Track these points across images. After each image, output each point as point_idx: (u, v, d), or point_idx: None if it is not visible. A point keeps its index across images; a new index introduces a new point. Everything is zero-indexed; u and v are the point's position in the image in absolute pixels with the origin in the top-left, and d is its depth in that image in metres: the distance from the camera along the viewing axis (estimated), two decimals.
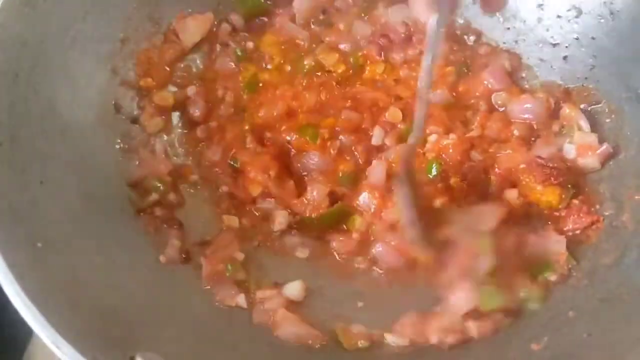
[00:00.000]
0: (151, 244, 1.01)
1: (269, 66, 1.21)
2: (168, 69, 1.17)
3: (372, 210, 1.05)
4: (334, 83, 1.18)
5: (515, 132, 1.10)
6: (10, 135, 0.90)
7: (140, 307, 0.89)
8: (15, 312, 0.76)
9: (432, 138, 1.09)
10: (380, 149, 1.11)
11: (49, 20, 1.00)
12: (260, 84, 1.18)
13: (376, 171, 1.07)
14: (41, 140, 0.95)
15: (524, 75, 1.19)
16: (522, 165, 1.05)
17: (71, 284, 0.84)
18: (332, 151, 1.10)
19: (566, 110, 1.11)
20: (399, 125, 1.12)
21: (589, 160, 1.07)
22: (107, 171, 1.04)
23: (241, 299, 0.98)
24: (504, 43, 1.22)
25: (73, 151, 0.99)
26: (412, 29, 1.19)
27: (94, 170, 1.02)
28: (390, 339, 0.95)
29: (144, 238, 1.02)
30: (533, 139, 1.10)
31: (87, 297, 0.84)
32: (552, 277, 0.97)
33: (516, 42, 1.21)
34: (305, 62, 1.19)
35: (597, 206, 1.03)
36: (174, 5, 1.18)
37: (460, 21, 1.23)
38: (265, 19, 1.24)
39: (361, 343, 0.95)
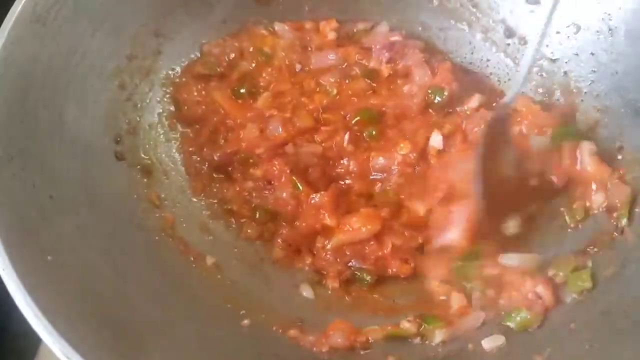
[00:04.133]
0: (160, 256, 1.03)
1: None
2: None
3: None
4: None
5: None
6: (20, 150, 0.92)
7: (149, 319, 0.90)
8: (22, 324, 0.77)
9: None
10: None
11: (59, 37, 1.02)
12: None
13: None
14: (50, 155, 0.96)
15: (523, 90, 1.21)
16: None
17: (81, 295, 0.85)
18: None
19: None
20: None
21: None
22: (115, 184, 1.06)
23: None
24: (505, 58, 1.25)
25: (81, 165, 1.01)
26: None
27: (102, 183, 1.03)
28: None
29: (152, 250, 1.03)
30: None
31: (96, 308, 0.85)
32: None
33: (515, 57, 1.24)
34: None
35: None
36: (180, 22, 1.21)
37: None
38: None
39: None
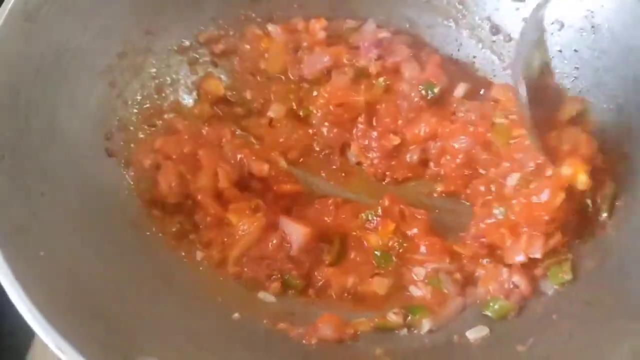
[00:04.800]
0: (151, 251, 1.05)
1: None
2: None
3: None
4: None
5: None
6: (12, 148, 0.93)
7: (140, 313, 0.92)
8: (15, 319, 0.79)
9: None
10: None
11: (49, 35, 1.03)
12: None
13: None
14: (42, 153, 0.98)
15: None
16: None
17: (73, 291, 0.87)
18: None
19: None
20: None
21: None
22: (105, 181, 1.07)
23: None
24: (492, 55, 1.27)
25: (72, 162, 1.02)
26: None
27: (93, 180, 1.05)
28: None
29: (144, 245, 1.05)
30: None
31: (89, 303, 0.87)
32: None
33: (501, 53, 1.26)
34: None
35: None
36: (170, 20, 1.21)
37: None
38: None
39: None
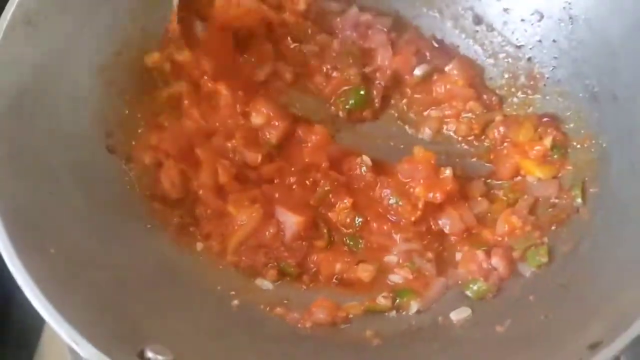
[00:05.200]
0: (154, 243, 1.11)
1: None
2: None
3: None
4: None
5: None
6: (20, 149, 0.98)
7: (145, 304, 0.97)
8: (24, 308, 0.85)
9: None
10: None
11: (49, 38, 1.06)
12: None
13: None
14: (49, 153, 1.02)
15: (491, 76, 1.29)
16: None
17: (82, 285, 0.92)
18: None
19: None
20: None
21: None
22: (108, 177, 1.11)
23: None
24: (474, 44, 1.31)
25: (77, 160, 1.06)
26: None
27: (96, 177, 1.09)
28: None
29: (147, 238, 1.10)
30: None
31: (97, 295, 0.93)
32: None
33: (483, 43, 1.31)
34: None
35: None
36: (164, 17, 1.24)
37: None
38: None
39: None
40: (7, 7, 1.02)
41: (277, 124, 1.20)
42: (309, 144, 1.21)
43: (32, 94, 1.03)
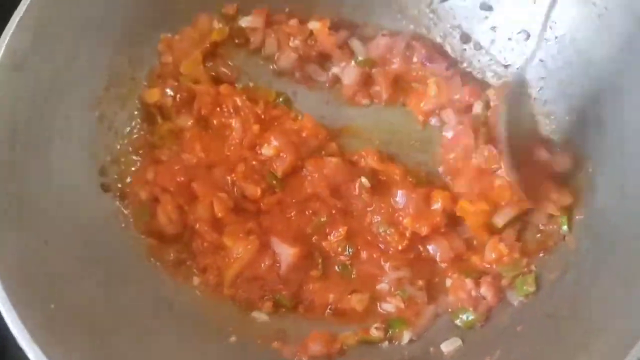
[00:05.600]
0: (150, 279, 1.13)
1: None
2: None
3: None
4: None
5: None
6: (13, 199, 1.00)
7: (142, 341, 1.01)
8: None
9: None
10: None
11: (38, 79, 1.08)
12: None
13: None
14: (42, 199, 1.04)
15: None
16: None
17: (81, 332, 0.96)
18: None
19: None
20: None
21: None
22: (103, 216, 1.14)
23: None
24: (461, 63, 1.31)
25: (71, 203, 1.09)
26: None
27: (92, 217, 1.12)
28: None
29: (143, 274, 1.13)
30: None
31: (95, 341, 0.96)
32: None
33: (471, 62, 1.31)
34: None
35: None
36: (152, 48, 1.26)
37: None
38: None
39: None
40: None
41: (285, 156, 1.22)
42: (316, 176, 1.22)
43: (24, 138, 1.05)
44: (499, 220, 1.14)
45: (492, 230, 1.15)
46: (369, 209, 1.20)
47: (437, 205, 1.15)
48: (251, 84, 1.31)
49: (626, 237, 1.00)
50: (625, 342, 0.85)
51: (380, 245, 1.18)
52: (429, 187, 1.19)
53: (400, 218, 1.17)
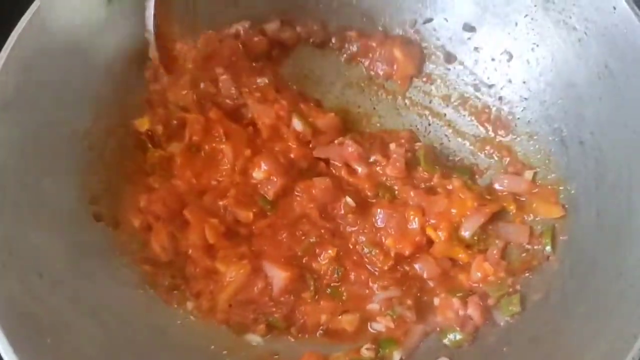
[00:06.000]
0: (145, 306, 1.15)
1: None
2: None
3: None
4: None
5: None
6: (5, 237, 1.01)
7: None
8: None
9: None
10: None
11: (27, 117, 1.09)
12: None
13: None
14: (34, 234, 1.05)
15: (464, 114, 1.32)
16: None
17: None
18: None
19: None
20: None
21: None
22: (97, 245, 1.15)
23: None
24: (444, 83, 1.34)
25: (64, 235, 1.10)
26: None
27: (84, 247, 1.12)
28: None
29: (137, 302, 1.14)
30: None
31: None
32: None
33: (456, 82, 1.33)
34: None
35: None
36: (138, 77, 1.27)
37: None
38: None
39: None
40: None
41: (275, 179, 1.24)
42: (305, 197, 1.24)
43: (14, 176, 1.06)
44: (466, 233, 1.18)
45: (465, 244, 1.19)
46: (353, 228, 1.23)
47: (414, 225, 1.18)
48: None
49: (604, 262, 1.03)
50: None
51: (367, 266, 1.20)
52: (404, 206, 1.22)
53: (383, 239, 1.20)
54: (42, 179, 1.11)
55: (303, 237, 1.23)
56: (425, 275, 1.19)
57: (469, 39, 1.29)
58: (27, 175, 1.08)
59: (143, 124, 1.25)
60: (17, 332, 0.93)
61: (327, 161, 1.30)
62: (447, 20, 1.30)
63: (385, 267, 1.19)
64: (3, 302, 0.96)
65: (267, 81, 1.28)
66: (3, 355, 0.91)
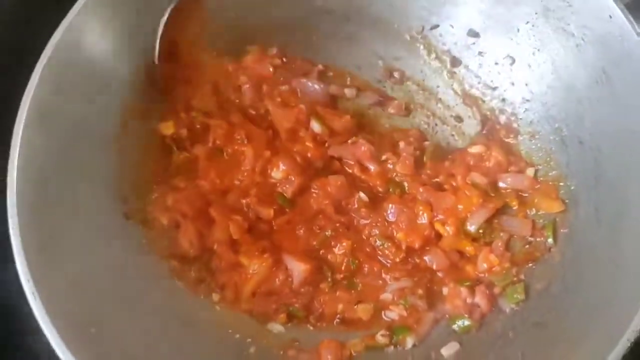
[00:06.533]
0: (173, 298, 1.23)
1: None
2: None
3: None
4: None
5: None
6: (49, 238, 1.07)
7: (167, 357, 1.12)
8: None
9: None
10: None
11: (63, 122, 1.15)
12: None
13: None
14: (74, 237, 1.11)
15: (469, 114, 1.40)
16: None
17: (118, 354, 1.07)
18: None
19: None
20: None
21: None
22: (126, 243, 1.21)
23: None
24: (453, 84, 1.42)
25: (98, 235, 1.16)
26: None
27: (117, 245, 1.19)
28: None
29: (166, 294, 1.22)
30: None
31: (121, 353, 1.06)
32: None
33: (460, 84, 1.41)
34: None
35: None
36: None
37: None
38: None
39: None
40: (22, 105, 1.10)
41: (293, 179, 1.32)
42: (321, 193, 1.32)
43: (54, 182, 1.12)
44: (472, 227, 1.27)
45: (471, 237, 1.27)
46: (366, 221, 1.32)
47: (423, 220, 1.27)
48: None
49: (602, 253, 1.11)
50: (603, 349, 0.96)
51: (380, 258, 1.29)
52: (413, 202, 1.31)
53: (394, 232, 1.28)
54: (79, 182, 1.16)
55: (319, 231, 1.32)
56: (434, 267, 1.28)
57: (473, 44, 1.37)
58: (66, 178, 1.14)
59: (168, 128, 1.32)
60: (65, 325, 1.01)
61: (340, 160, 1.38)
62: (452, 27, 1.37)
63: (397, 260, 1.27)
64: (52, 297, 1.02)
65: (287, 88, 1.36)
66: (54, 346, 0.99)
